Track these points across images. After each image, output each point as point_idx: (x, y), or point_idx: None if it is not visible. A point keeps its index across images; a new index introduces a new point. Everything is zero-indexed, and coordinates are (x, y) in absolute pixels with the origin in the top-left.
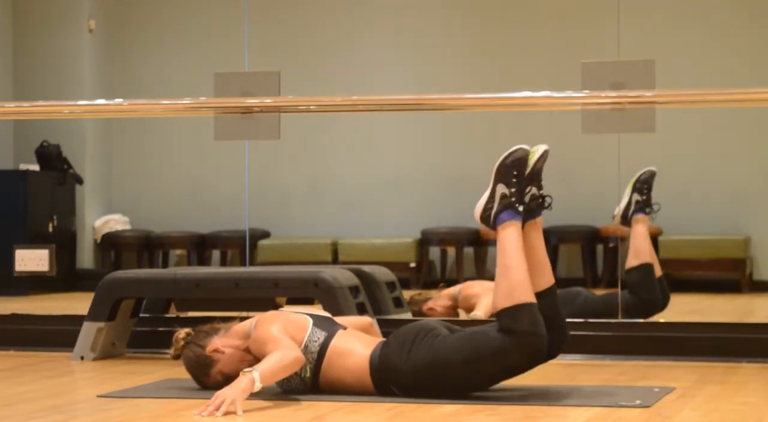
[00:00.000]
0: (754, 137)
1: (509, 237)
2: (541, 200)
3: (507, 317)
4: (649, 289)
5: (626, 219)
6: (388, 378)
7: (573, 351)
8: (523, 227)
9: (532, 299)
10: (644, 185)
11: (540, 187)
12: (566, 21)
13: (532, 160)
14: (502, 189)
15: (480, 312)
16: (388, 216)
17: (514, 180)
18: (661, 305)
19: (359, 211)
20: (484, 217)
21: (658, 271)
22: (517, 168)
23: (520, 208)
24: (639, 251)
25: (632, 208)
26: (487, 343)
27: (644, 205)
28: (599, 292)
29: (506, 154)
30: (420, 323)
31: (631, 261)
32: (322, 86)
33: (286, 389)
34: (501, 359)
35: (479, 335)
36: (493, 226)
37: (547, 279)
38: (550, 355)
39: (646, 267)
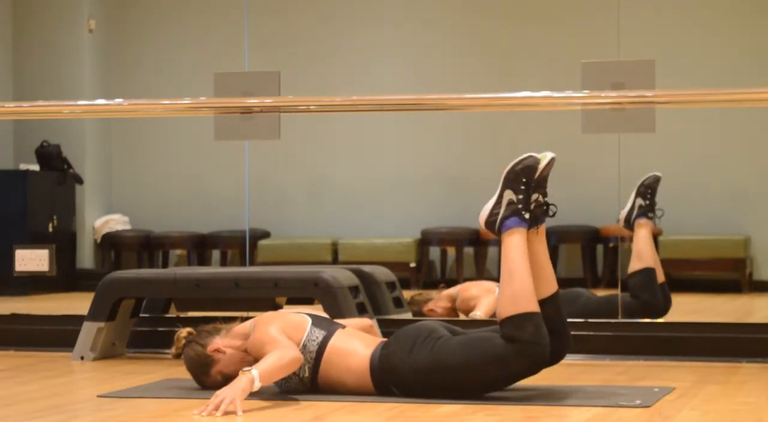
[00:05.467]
0: (754, 137)
1: (514, 244)
2: (545, 207)
3: (511, 325)
4: (650, 293)
5: (629, 223)
6: (388, 379)
7: (573, 351)
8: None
9: (536, 308)
10: (648, 190)
11: (545, 195)
12: (566, 21)
13: (540, 167)
14: (509, 195)
15: (480, 313)
16: (388, 216)
17: (522, 187)
18: (663, 309)
19: (359, 211)
20: (490, 222)
21: (660, 276)
22: (527, 175)
23: (526, 215)
24: (641, 255)
25: (635, 212)
26: (489, 349)
27: (647, 210)
28: (599, 292)
29: (516, 160)
30: (421, 324)
31: (634, 265)
32: (322, 86)
33: (285, 389)
34: (502, 365)
35: (482, 340)
36: (499, 232)
37: (551, 287)
38: (553, 361)
39: (648, 272)
